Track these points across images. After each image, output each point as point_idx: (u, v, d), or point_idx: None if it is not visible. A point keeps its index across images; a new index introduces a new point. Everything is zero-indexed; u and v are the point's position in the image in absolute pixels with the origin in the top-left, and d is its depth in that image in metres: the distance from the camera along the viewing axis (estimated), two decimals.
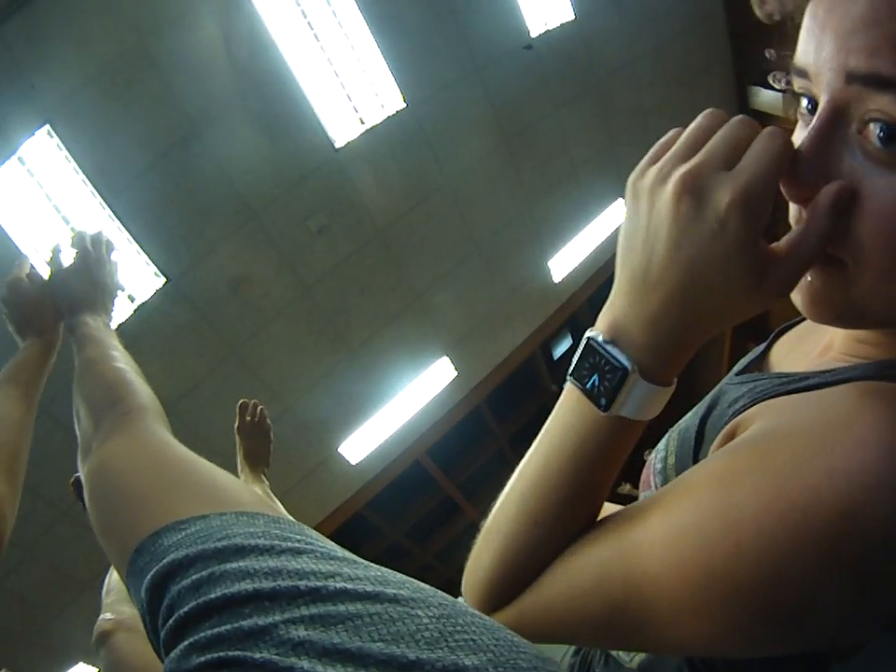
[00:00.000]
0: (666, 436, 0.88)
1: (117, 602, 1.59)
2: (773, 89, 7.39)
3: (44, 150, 3.93)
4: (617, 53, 6.81)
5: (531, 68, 6.06)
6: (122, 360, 1.09)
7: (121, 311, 4.37)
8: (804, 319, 0.89)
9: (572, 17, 6.21)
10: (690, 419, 0.84)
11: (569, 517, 0.71)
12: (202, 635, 0.38)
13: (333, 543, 0.51)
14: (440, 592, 0.42)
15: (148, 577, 0.49)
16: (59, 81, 3.81)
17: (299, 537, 0.49)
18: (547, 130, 6.47)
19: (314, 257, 5.30)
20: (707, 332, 0.63)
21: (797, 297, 0.63)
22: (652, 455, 0.92)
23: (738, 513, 0.54)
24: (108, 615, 1.54)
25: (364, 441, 6.26)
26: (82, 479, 0.84)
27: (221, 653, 0.36)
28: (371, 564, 0.47)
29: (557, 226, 6.95)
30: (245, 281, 4.96)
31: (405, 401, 6.39)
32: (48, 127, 3.83)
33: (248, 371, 5.26)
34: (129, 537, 0.57)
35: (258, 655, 0.34)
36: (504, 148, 6.18)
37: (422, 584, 0.43)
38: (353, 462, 6.28)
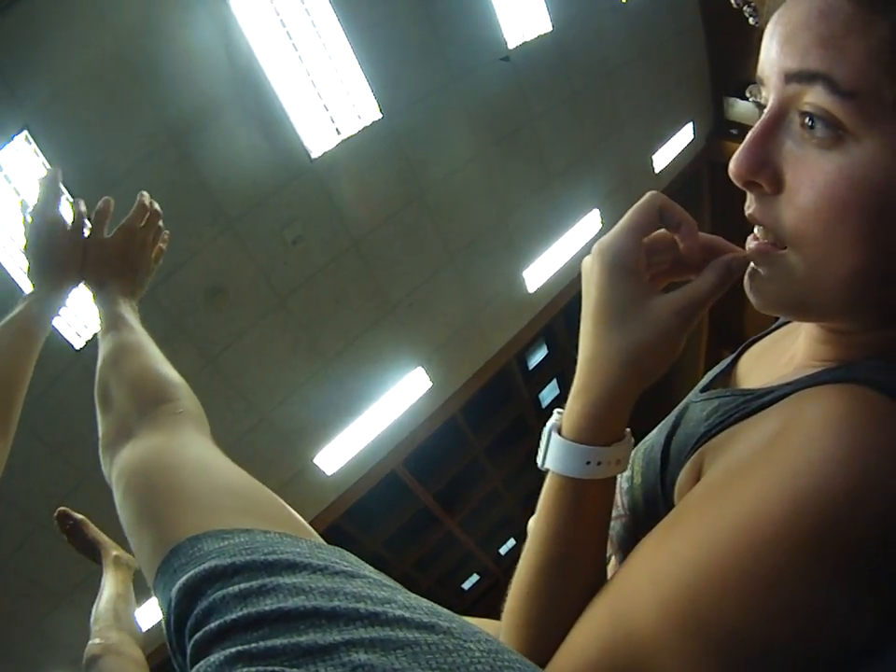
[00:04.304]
0: (632, 454, 0.89)
1: (105, 629, 1.68)
2: (747, 99, 7.49)
3: (21, 156, 3.89)
4: (594, 65, 6.87)
5: (508, 79, 6.09)
6: (167, 361, 1.05)
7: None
8: (772, 331, 0.90)
9: (550, 29, 6.25)
10: (655, 437, 0.86)
11: (558, 583, 0.73)
12: (252, 645, 0.37)
13: (378, 571, 0.51)
14: (481, 629, 0.42)
15: (185, 577, 0.47)
16: (38, 87, 3.77)
17: (346, 562, 0.48)
18: (523, 141, 6.50)
19: (289, 267, 5.28)
20: (612, 381, 0.69)
21: (747, 286, 0.68)
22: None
23: (719, 560, 0.56)
24: (97, 640, 1.63)
25: (340, 452, 6.23)
26: (117, 463, 0.80)
27: (276, 668, 0.35)
28: (419, 596, 0.46)
29: (532, 236, 6.99)
30: (221, 291, 4.93)
31: (380, 412, 6.37)
32: (26, 133, 3.80)
33: (223, 381, 5.23)
34: (167, 534, 0.56)
35: None
36: (480, 159, 6.20)
37: (466, 619, 0.43)
38: (328, 473, 6.25)
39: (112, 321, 1.13)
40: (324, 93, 5.08)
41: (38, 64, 3.72)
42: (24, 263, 1.28)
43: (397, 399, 6.47)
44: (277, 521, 0.59)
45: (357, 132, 5.26)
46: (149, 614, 5.01)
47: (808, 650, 0.55)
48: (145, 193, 1.32)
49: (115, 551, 2.06)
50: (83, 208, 1.29)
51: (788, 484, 0.54)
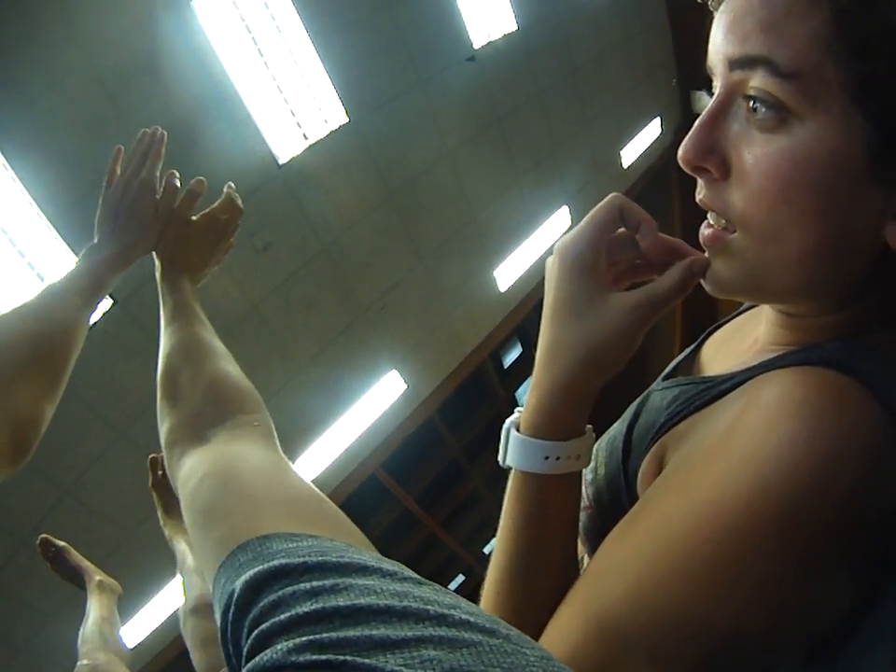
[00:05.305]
0: (595, 445, 0.88)
1: (92, 650, 1.77)
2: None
3: None
4: (560, 63, 6.91)
5: (474, 80, 6.12)
6: (241, 371, 1.05)
7: None
8: (735, 317, 0.91)
9: (515, 28, 6.29)
10: (617, 427, 0.86)
11: (526, 581, 0.73)
12: (325, 635, 0.38)
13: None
14: (532, 638, 0.43)
15: (252, 571, 0.48)
16: (6, 98, 3.74)
17: (409, 573, 0.49)
18: (491, 140, 6.52)
19: (260, 274, 5.25)
20: (566, 375, 0.69)
21: None
22: None
23: (682, 550, 0.56)
24: (85, 661, 1.73)
25: (318, 458, 6.21)
26: (186, 463, 0.80)
27: (347, 657, 0.36)
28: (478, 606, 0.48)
29: (502, 235, 7.01)
30: None
31: (357, 416, 6.36)
32: None
33: None
34: (235, 531, 0.57)
35: (388, 668, 0.35)
36: (448, 160, 6.21)
37: (518, 630, 0.44)
38: (307, 480, 6.22)
39: (182, 309, 1.15)
40: (290, 99, 5.07)
41: (4, 75, 3.68)
42: (99, 213, 1.25)
43: (373, 402, 6.45)
44: (345, 534, 0.60)
45: (324, 136, 5.25)
46: (134, 634, 4.99)
47: (782, 637, 0.55)
48: (232, 185, 1.33)
49: (98, 576, 2.09)
50: (178, 182, 1.27)
51: (750, 470, 0.54)
